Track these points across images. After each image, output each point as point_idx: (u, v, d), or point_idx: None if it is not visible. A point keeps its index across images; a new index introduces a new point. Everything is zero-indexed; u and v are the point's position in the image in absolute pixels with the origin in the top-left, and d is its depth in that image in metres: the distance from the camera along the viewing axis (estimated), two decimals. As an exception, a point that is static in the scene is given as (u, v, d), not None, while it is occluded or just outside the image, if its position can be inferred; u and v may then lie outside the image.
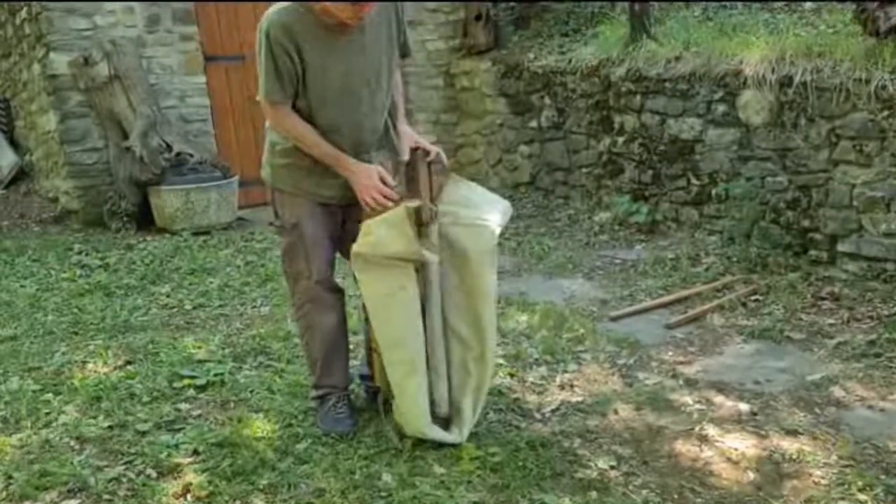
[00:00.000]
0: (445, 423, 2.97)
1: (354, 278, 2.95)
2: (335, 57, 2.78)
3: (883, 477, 2.70)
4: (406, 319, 2.81)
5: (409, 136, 2.98)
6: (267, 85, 2.78)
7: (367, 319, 2.99)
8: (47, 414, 3.22)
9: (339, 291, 3.07)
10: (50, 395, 3.39)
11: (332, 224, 2.98)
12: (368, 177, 2.79)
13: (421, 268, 2.84)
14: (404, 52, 3.02)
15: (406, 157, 2.92)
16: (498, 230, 2.89)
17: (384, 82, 2.92)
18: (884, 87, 4.19)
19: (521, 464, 2.80)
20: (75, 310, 4.51)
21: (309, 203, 2.92)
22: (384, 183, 2.80)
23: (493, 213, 2.92)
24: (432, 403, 2.95)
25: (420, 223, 2.80)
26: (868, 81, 4.26)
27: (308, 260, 2.94)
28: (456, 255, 2.87)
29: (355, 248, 2.76)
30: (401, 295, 2.79)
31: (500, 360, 3.64)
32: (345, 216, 2.99)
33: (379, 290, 2.79)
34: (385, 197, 2.78)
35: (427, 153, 2.88)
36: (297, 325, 3.18)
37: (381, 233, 2.72)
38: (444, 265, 2.88)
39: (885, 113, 4.20)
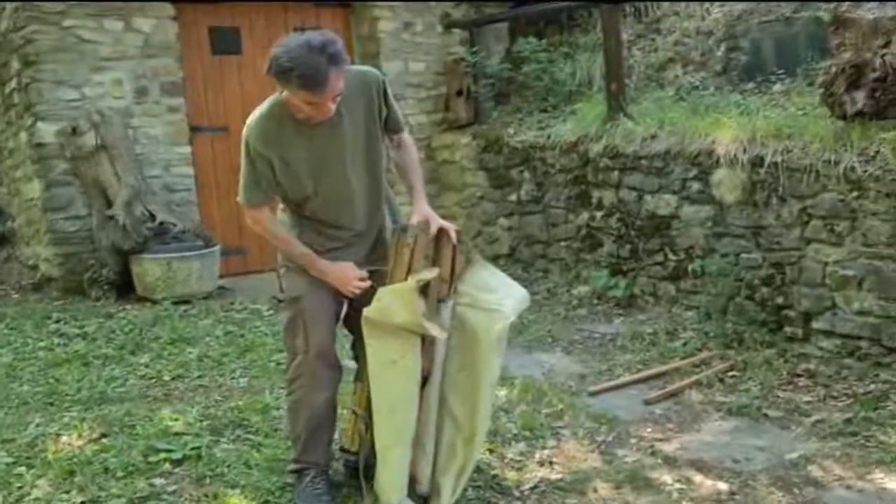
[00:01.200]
0: (423, 501, 2.96)
1: (353, 346, 3.04)
2: (315, 149, 2.88)
3: (860, 558, 2.72)
4: (402, 388, 2.85)
5: (424, 213, 2.99)
6: (246, 191, 2.95)
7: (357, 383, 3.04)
8: (20, 488, 3.16)
9: (337, 369, 3.08)
10: (23, 469, 3.32)
11: (334, 299, 3.03)
12: (344, 275, 2.94)
13: (428, 343, 2.88)
14: (392, 128, 3.08)
15: (413, 221, 2.98)
16: (512, 318, 2.94)
17: (369, 164, 3.00)
18: (852, 169, 4.31)
19: (499, 543, 2.79)
20: (51, 380, 4.46)
21: (312, 277, 2.97)
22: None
23: (509, 300, 2.98)
24: (413, 480, 2.94)
25: (426, 294, 2.85)
26: (837, 163, 4.39)
27: (307, 334, 2.97)
28: (466, 337, 2.93)
29: (366, 312, 2.81)
30: (401, 363, 2.83)
31: (480, 436, 3.64)
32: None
33: (382, 356, 2.83)
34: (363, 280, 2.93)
35: (448, 234, 2.94)
36: (286, 398, 3.18)
37: (390, 301, 2.78)
38: (453, 345, 2.93)
39: (855, 194, 4.32)
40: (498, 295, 2.97)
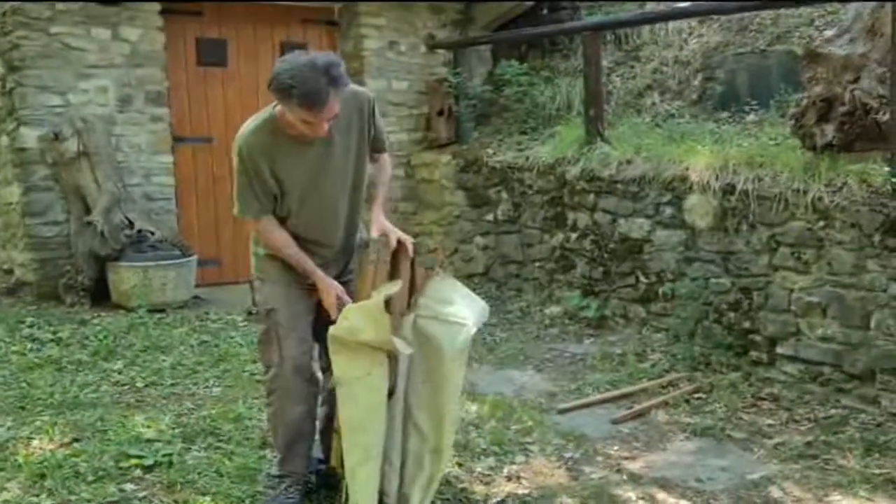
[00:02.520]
0: None
1: (320, 356, 3.06)
2: (306, 166, 2.94)
3: (814, 577, 2.80)
4: (369, 404, 2.89)
5: (382, 225, 3.04)
6: (241, 203, 2.97)
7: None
8: (-11, 490, 3.19)
9: (314, 382, 3.12)
10: (-7, 471, 3.35)
11: (309, 308, 3.08)
12: (329, 293, 2.97)
13: (392, 357, 2.93)
14: (376, 147, 3.15)
15: (373, 234, 3.03)
16: (474, 330, 3.01)
17: (354, 184, 3.06)
18: (820, 199, 4.44)
19: (465, 554, 2.85)
20: (24, 384, 4.46)
21: (286, 289, 3.03)
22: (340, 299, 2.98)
23: (471, 313, 3.04)
24: (381, 493, 2.99)
25: (389, 309, 2.90)
26: (805, 192, 4.51)
27: (281, 347, 3.01)
28: (430, 350, 2.98)
29: (332, 330, 2.85)
30: (367, 380, 2.87)
31: (449, 450, 3.70)
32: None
33: (349, 373, 2.87)
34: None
35: (405, 247, 3.00)
36: (266, 409, 3.23)
37: (357, 319, 2.82)
38: (415, 358, 2.98)
39: (822, 223, 4.44)
40: (459, 307, 3.04)
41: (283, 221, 3.03)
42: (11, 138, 6.25)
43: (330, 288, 2.98)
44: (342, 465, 2.97)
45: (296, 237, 3.03)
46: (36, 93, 6.14)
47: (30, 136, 6.15)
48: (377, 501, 2.94)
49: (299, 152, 2.92)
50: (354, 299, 2.98)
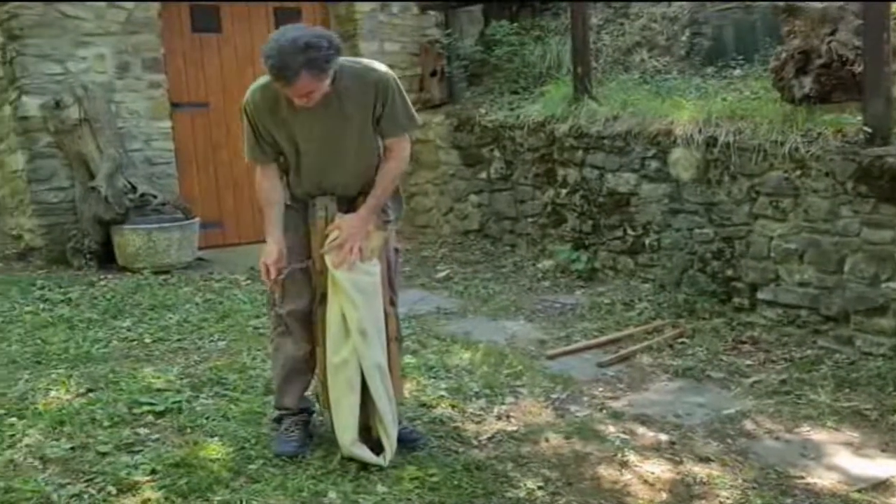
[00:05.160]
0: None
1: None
2: (302, 125, 3.09)
3: (780, 497, 3.02)
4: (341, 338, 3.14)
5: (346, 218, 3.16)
6: (246, 148, 3.21)
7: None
8: (11, 436, 3.38)
9: (313, 325, 3.29)
10: (14, 419, 3.54)
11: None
12: (267, 255, 3.16)
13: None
14: (383, 132, 3.16)
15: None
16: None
17: (353, 151, 3.16)
18: (797, 149, 4.60)
19: (456, 483, 3.05)
20: (38, 341, 4.66)
21: (290, 236, 3.22)
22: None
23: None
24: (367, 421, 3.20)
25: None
26: (783, 143, 4.67)
27: (284, 290, 3.23)
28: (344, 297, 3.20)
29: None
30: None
31: (443, 393, 3.92)
32: None
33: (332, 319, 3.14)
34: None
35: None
36: (270, 346, 3.47)
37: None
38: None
39: (798, 172, 4.61)
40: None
41: (287, 173, 3.23)
42: (14, 107, 6.40)
43: (267, 254, 3.16)
44: (328, 406, 3.24)
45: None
46: (36, 61, 6.28)
47: (32, 105, 6.30)
48: (357, 428, 3.16)
49: (297, 113, 3.06)
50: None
